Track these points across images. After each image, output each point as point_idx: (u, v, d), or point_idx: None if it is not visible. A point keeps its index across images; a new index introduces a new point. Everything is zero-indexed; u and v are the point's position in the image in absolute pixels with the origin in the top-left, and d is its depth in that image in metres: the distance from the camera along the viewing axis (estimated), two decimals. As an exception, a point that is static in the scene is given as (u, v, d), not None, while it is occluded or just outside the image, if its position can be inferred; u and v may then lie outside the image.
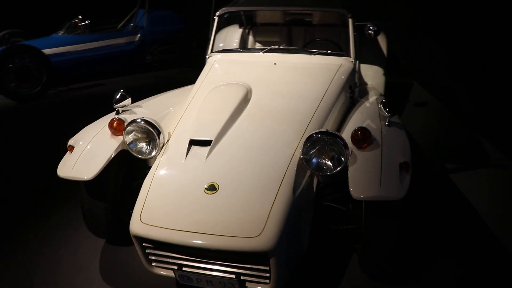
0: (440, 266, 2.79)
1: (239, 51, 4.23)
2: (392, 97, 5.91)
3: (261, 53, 3.90)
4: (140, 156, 2.73)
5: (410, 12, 7.10)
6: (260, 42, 5.25)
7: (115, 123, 2.80)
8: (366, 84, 4.94)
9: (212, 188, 2.34)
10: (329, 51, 3.89)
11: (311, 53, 3.83)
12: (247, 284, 2.31)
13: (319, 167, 2.45)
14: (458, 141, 4.76)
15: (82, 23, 7.36)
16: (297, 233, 2.37)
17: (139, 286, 2.70)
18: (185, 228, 2.21)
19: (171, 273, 2.38)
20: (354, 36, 3.92)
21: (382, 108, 2.67)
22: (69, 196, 3.72)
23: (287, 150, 2.53)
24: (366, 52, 5.06)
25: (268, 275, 2.22)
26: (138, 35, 7.91)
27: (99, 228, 2.89)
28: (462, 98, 5.62)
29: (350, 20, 3.90)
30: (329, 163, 2.43)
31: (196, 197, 2.33)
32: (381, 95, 4.46)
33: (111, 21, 8.32)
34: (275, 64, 3.71)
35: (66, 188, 3.54)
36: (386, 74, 5.00)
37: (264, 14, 5.07)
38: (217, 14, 4.29)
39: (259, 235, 2.12)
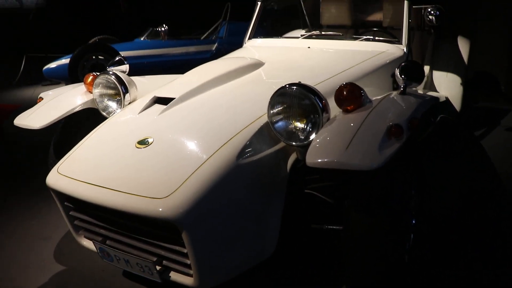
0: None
1: (278, 37, 3.79)
2: (480, 120, 5.02)
3: (300, 39, 3.44)
4: (104, 114, 2.39)
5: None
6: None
7: (90, 78, 2.51)
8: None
9: (144, 142, 1.87)
10: (376, 37, 3.27)
11: (355, 39, 3.27)
12: (172, 274, 1.76)
13: (289, 134, 1.83)
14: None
15: (162, 29, 7.54)
16: (248, 219, 1.77)
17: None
18: (96, 181, 1.77)
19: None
20: (409, 22, 3.25)
21: (398, 73, 1.98)
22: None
23: (254, 110, 1.97)
24: (441, 56, 4.27)
25: (188, 262, 1.65)
26: (215, 45, 7.86)
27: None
28: None
29: (405, 3, 3.24)
30: (300, 128, 1.81)
31: (124, 150, 1.88)
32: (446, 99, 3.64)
33: (197, 32, 8.45)
34: (308, 47, 3.21)
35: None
36: (464, 84, 4.11)
37: (330, 15, 4.49)
38: (260, -2, 3.93)
39: (166, 196, 1.57)
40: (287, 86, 1.81)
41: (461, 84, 4.10)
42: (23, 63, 8.36)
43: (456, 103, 4.11)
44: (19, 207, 3.07)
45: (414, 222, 2.05)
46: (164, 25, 7.84)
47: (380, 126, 1.63)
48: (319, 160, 1.59)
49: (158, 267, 1.74)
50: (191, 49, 7.74)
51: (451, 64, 4.16)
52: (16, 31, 10.93)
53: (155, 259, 1.74)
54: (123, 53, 7.12)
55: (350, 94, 1.77)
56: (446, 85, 4.13)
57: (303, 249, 2.28)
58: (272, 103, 1.83)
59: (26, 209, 3.03)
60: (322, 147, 1.63)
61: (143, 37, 7.73)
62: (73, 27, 10.79)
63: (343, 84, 1.83)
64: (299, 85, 1.79)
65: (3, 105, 5.87)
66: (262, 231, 1.84)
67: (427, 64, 4.21)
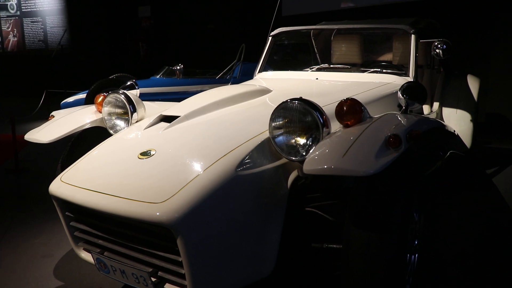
0: None
1: (288, 70, 3.86)
2: (492, 159, 4.96)
3: (309, 72, 3.52)
4: (111, 132, 2.44)
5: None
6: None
7: (100, 98, 2.59)
8: (446, 130, 4.10)
9: (146, 153, 1.90)
10: (384, 70, 3.33)
11: (363, 71, 3.34)
12: (167, 286, 1.73)
13: (289, 148, 1.84)
14: None
15: (178, 68, 7.76)
16: (246, 233, 1.75)
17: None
18: (96, 188, 1.79)
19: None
20: (416, 56, 3.31)
21: (400, 93, 2.00)
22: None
23: (256, 127, 1.99)
24: (451, 93, 4.29)
25: (183, 272, 1.62)
26: (229, 84, 8.04)
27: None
28: None
29: (412, 37, 3.31)
30: (300, 143, 1.81)
31: (126, 161, 1.91)
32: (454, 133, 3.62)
33: (212, 72, 8.68)
34: (316, 79, 3.28)
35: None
36: (475, 120, 4.10)
37: (340, 53, 4.56)
38: (271, 34, 4.04)
39: (163, 201, 1.58)
40: (288, 100, 1.85)
41: (471, 120, 4.09)
42: (42, 98, 8.63)
43: (466, 139, 4.08)
44: (24, 227, 3.09)
45: (416, 242, 1.99)
46: (179, 64, 8.09)
47: (378, 137, 1.63)
48: (316, 167, 1.59)
49: (153, 278, 1.72)
50: (206, 87, 7.87)
51: (461, 100, 4.16)
52: (39, 69, 11.43)
53: (150, 269, 1.72)
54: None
55: (350, 109, 1.79)
56: (456, 122, 4.12)
57: (302, 268, 2.22)
58: (273, 117, 1.86)
59: (31, 229, 3.05)
60: (319, 155, 1.63)
61: (159, 75, 7.96)
62: (93, 66, 11.24)
63: (343, 99, 1.85)
64: (300, 99, 1.82)
65: (19, 136, 6.04)
66: (261, 248, 1.81)
67: (436, 101, 4.23)
